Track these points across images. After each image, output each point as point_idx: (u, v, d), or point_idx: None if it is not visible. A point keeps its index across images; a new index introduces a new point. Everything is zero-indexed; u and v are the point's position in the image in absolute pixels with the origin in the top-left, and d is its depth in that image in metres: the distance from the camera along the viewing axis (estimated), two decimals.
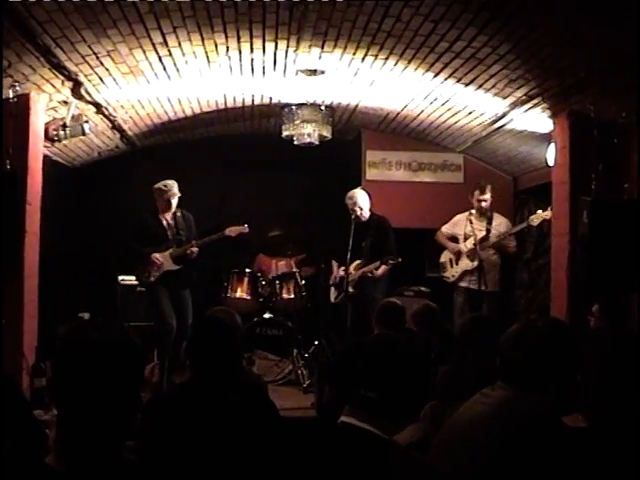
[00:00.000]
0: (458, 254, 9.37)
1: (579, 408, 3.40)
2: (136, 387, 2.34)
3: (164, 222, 9.10)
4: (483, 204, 9.26)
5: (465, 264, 9.24)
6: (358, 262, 9.11)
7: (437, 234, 9.78)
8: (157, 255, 8.89)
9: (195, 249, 8.98)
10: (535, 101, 7.63)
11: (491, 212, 9.29)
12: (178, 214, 9.18)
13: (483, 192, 9.27)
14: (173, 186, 9.00)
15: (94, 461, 2.20)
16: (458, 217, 9.63)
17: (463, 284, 9.22)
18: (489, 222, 9.15)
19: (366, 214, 9.27)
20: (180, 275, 9.03)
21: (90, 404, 2.21)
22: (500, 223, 9.33)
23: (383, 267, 9.07)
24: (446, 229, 9.74)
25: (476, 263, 8.89)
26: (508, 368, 3.29)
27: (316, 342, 9.45)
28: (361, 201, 9.22)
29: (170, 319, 8.73)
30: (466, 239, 9.34)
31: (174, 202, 9.01)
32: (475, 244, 8.92)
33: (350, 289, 8.98)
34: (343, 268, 8.92)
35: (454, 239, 9.59)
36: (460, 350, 5.20)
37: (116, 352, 2.28)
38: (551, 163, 8.27)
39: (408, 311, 7.08)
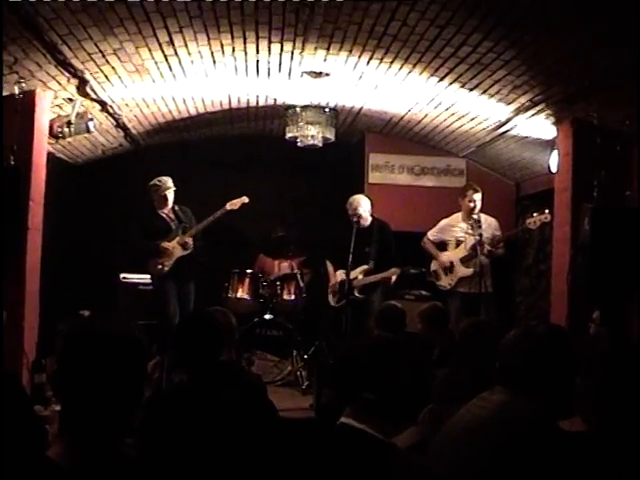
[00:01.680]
0: (450, 265, 9.21)
1: (579, 412, 3.41)
2: (139, 382, 2.36)
3: (164, 216, 9.15)
4: (477, 204, 9.03)
5: (462, 271, 9.02)
6: (365, 267, 9.04)
7: (424, 241, 9.58)
8: (166, 243, 8.94)
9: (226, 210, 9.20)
10: (539, 107, 7.64)
11: (479, 214, 9.03)
12: (176, 208, 9.24)
13: (476, 192, 9.06)
14: (167, 181, 9.07)
15: (96, 455, 2.21)
16: (445, 222, 9.49)
17: (461, 289, 9.11)
18: (479, 225, 8.87)
19: (367, 220, 9.18)
20: (189, 262, 9.09)
21: (93, 398, 2.23)
22: (489, 224, 9.15)
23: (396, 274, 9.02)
24: (433, 236, 9.54)
25: (474, 269, 8.78)
26: (507, 373, 3.30)
27: (316, 343, 9.45)
28: (362, 208, 9.12)
29: (173, 318, 8.74)
30: (457, 245, 9.22)
31: (170, 196, 9.07)
32: (470, 251, 8.85)
33: (356, 294, 8.96)
34: (344, 272, 8.86)
35: (442, 244, 9.47)
36: (459, 354, 5.22)
37: (120, 346, 2.30)
38: (554, 170, 8.27)
39: (408, 314, 7.10)
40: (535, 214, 8.55)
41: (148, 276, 9.38)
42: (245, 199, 9.34)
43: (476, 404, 3.37)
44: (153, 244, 8.93)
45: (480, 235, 8.72)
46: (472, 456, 3.14)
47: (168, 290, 8.96)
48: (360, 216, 9.08)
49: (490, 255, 8.91)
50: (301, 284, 9.87)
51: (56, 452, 2.22)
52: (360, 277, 9.00)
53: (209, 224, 9.15)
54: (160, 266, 8.94)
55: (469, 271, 8.89)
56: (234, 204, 9.27)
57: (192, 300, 9.14)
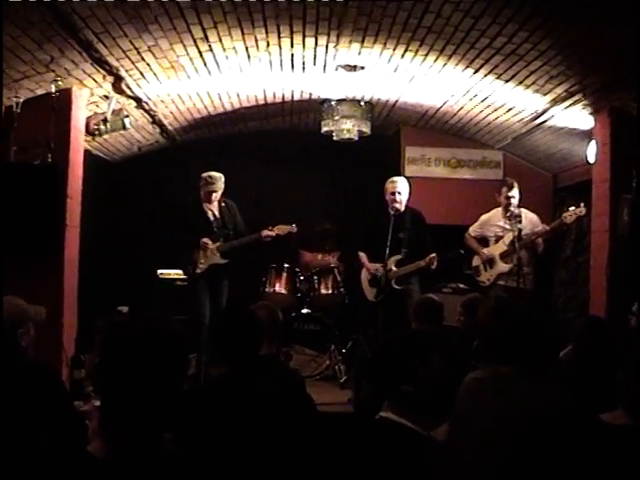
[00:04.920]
0: (491, 259, 9.17)
1: (621, 405, 3.38)
2: (179, 378, 2.36)
3: (209, 213, 9.14)
4: (512, 201, 8.91)
5: (501, 267, 8.96)
6: (398, 257, 9.00)
7: (466, 237, 9.50)
8: (206, 240, 8.97)
9: (272, 234, 9.13)
10: (576, 98, 7.57)
11: (519, 209, 8.92)
12: (222, 204, 9.20)
13: (511, 189, 8.94)
14: (218, 180, 9.04)
15: (135, 450, 2.22)
16: (485, 217, 9.42)
17: (500, 282, 9.03)
18: (519, 220, 8.71)
19: (403, 204, 9.09)
20: (223, 268, 9.08)
21: (134, 393, 2.23)
22: (530, 219, 9.01)
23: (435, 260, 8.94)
24: (474, 231, 9.48)
25: (512, 265, 8.72)
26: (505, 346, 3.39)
27: (353, 337, 9.43)
28: (401, 186, 9.07)
29: (204, 317, 8.78)
30: (497, 240, 9.15)
31: (215, 196, 9.05)
32: (509, 246, 8.78)
33: (394, 285, 8.93)
34: (380, 265, 8.83)
35: (484, 240, 9.40)
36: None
37: (162, 342, 2.30)
38: (592, 160, 8.21)
39: (446, 308, 7.06)
40: (571, 208, 8.48)
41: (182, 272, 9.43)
42: (294, 228, 9.31)
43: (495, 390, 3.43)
44: (191, 236, 8.93)
45: (519, 230, 8.63)
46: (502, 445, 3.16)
47: (199, 289, 8.99)
48: (399, 194, 9.02)
49: (533, 249, 8.92)
50: (338, 278, 9.86)
51: (96, 447, 2.24)
52: (394, 268, 8.95)
53: (251, 242, 9.18)
54: (193, 265, 8.97)
55: (507, 267, 8.82)
56: (282, 229, 9.23)
57: (225, 298, 9.14)
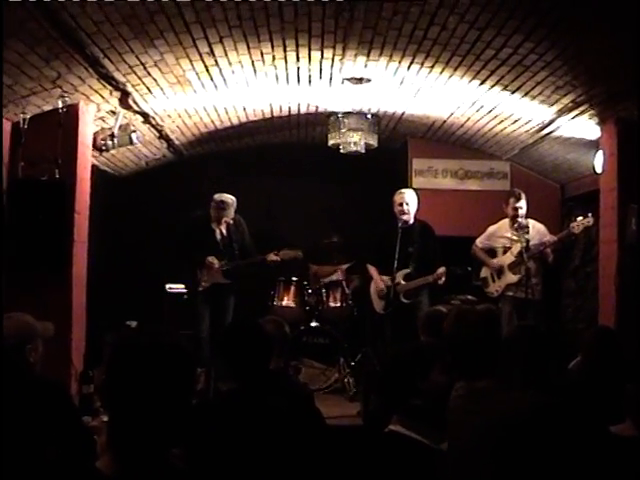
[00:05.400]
0: (500, 269, 9.15)
1: (630, 417, 3.37)
2: (187, 393, 2.36)
3: (217, 231, 9.19)
4: (519, 212, 8.90)
5: (509, 278, 8.92)
6: (406, 271, 9.00)
7: (473, 249, 9.48)
8: (212, 259, 8.98)
9: (277, 259, 9.14)
10: (582, 108, 7.56)
11: (526, 220, 8.91)
12: (231, 222, 9.22)
13: (518, 200, 8.93)
14: (230, 206, 9.11)
15: (144, 466, 2.22)
16: (493, 228, 9.39)
17: (509, 293, 9.02)
18: (526, 231, 8.68)
19: (411, 217, 9.10)
20: (227, 287, 9.09)
21: (141, 409, 2.23)
22: (538, 230, 9.00)
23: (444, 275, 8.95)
24: (482, 243, 9.45)
25: (520, 276, 8.68)
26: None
27: (362, 350, 9.41)
28: (409, 198, 9.07)
29: (203, 332, 8.90)
30: (505, 252, 9.12)
31: (224, 220, 9.10)
32: (517, 257, 8.76)
33: (402, 299, 8.93)
34: (389, 278, 8.83)
35: (491, 251, 9.38)
36: (506, 359, 5.17)
37: (168, 358, 2.30)
38: (599, 170, 8.19)
39: None
40: (579, 218, 8.46)
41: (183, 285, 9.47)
42: (300, 255, 9.34)
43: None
44: (198, 256, 8.96)
45: (527, 241, 8.61)
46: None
47: (201, 307, 9.07)
48: (407, 205, 9.02)
49: (542, 260, 8.89)
50: (347, 291, 9.85)
51: (104, 463, 2.23)
52: (402, 282, 8.94)
53: (256, 263, 9.21)
54: (196, 282, 9.01)
55: (515, 277, 8.80)
56: (287, 255, 9.27)
57: (230, 314, 9.19)
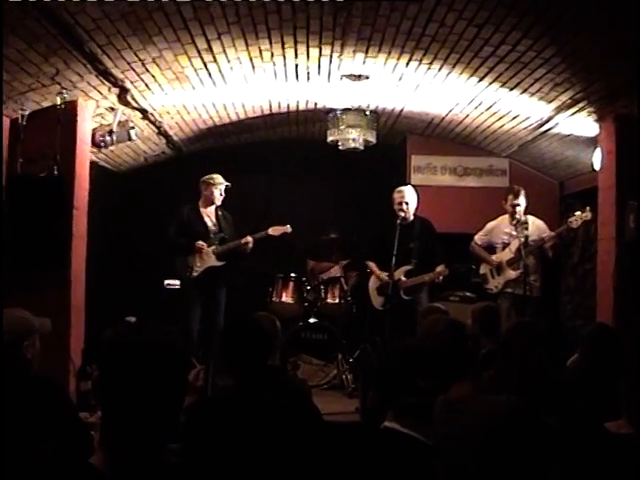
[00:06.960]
0: (499, 265, 9.18)
1: (625, 414, 3.37)
2: (180, 390, 2.36)
3: (205, 218, 9.27)
4: (517, 209, 8.94)
5: (508, 274, 8.96)
6: (407, 268, 9.02)
7: (472, 246, 9.52)
8: (201, 243, 9.03)
9: (250, 240, 9.11)
10: (581, 105, 7.57)
11: (525, 216, 8.98)
12: (219, 212, 9.31)
13: (517, 196, 8.97)
14: (219, 178, 9.19)
15: (138, 462, 2.22)
16: (491, 224, 9.43)
17: (508, 289, 9.04)
18: (525, 227, 8.78)
19: (411, 213, 9.14)
20: (220, 273, 9.12)
21: (134, 406, 2.23)
22: (537, 226, 9.05)
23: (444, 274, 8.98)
24: (480, 239, 9.50)
25: (519, 272, 8.71)
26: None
27: (361, 346, 9.41)
28: (409, 196, 9.11)
29: (192, 332, 8.93)
30: (504, 248, 9.15)
31: (217, 195, 9.20)
32: (516, 253, 8.78)
33: (402, 295, 8.96)
34: (388, 274, 8.84)
35: (490, 247, 9.41)
36: (504, 355, 5.18)
37: (161, 354, 2.30)
38: (597, 167, 8.20)
39: (453, 316, 7.04)
40: (577, 213, 8.48)
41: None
42: (288, 229, 9.34)
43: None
44: (187, 240, 9.03)
45: (526, 237, 8.63)
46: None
47: (191, 300, 9.10)
48: (407, 204, 9.06)
49: (542, 254, 8.94)
50: (345, 287, 9.84)
51: (98, 459, 2.23)
52: (403, 278, 8.96)
53: (239, 245, 9.22)
54: (189, 269, 9.02)
55: (514, 274, 8.82)
56: (276, 230, 9.29)
57: (223, 308, 9.23)
